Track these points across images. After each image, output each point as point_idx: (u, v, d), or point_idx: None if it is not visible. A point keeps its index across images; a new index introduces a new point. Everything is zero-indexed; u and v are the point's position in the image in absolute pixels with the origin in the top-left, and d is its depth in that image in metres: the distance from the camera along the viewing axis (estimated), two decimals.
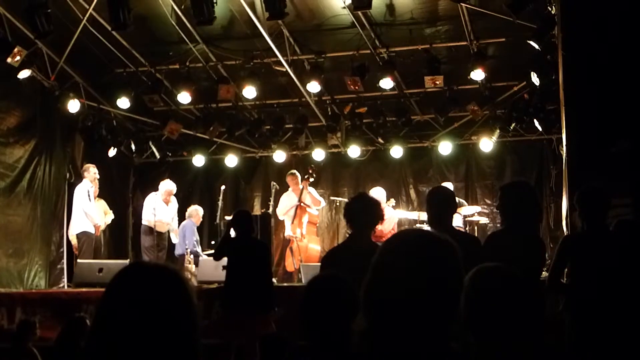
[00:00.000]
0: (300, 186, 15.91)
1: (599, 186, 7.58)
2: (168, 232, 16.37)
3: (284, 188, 16.54)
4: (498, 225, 13.93)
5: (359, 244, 6.79)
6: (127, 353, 2.24)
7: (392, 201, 16.09)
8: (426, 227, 14.66)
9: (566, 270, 7.61)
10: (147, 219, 15.89)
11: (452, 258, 2.53)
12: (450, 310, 2.48)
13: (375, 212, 7.11)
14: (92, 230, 15.24)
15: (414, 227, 14.43)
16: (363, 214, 7.01)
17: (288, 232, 15.79)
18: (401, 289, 2.43)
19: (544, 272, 7.63)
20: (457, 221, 14.07)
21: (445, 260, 2.51)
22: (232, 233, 10.99)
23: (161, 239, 16.16)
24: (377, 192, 15.52)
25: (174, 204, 16.60)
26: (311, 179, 15.93)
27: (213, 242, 16.33)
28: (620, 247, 7.23)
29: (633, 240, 7.54)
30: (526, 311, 3.94)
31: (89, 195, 15.19)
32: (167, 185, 16.28)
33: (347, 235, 7.40)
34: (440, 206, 7.09)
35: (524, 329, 3.92)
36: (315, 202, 16.09)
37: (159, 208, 15.97)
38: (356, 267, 4.55)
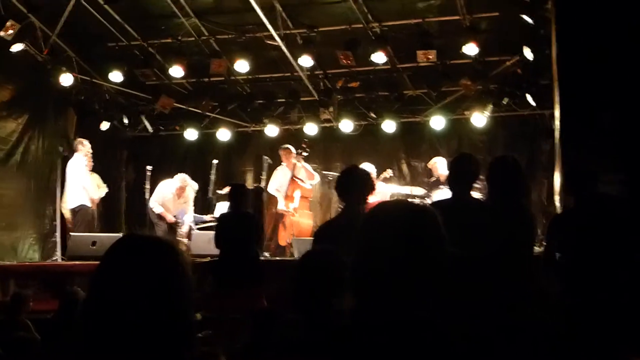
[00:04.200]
0: (294, 160, 15.92)
1: (583, 163, 7.63)
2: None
3: (276, 162, 16.56)
4: None
5: (352, 217, 6.81)
6: (121, 324, 2.26)
7: (389, 172, 16.11)
8: (418, 201, 14.80)
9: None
10: (154, 207, 15.90)
11: (432, 225, 2.54)
12: (435, 276, 2.49)
13: (366, 184, 7.12)
14: (89, 204, 15.28)
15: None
16: (354, 187, 7.02)
17: (281, 206, 15.82)
18: (385, 260, 2.44)
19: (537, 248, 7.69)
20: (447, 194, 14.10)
21: (425, 227, 2.52)
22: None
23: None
24: (367, 168, 15.57)
25: (191, 194, 16.50)
26: (305, 154, 15.95)
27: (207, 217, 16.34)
28: (604, 221, 7.26)
29: (617, 214, 7.56)
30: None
31: (85, 169, 15.21)
32: (185, 182, 16.18)
33: (339, 210, 7.40)
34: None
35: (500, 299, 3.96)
36: (310, 176, 16.12)
37: (168, 201, 15.97)
38: (350, 241, 4.58)
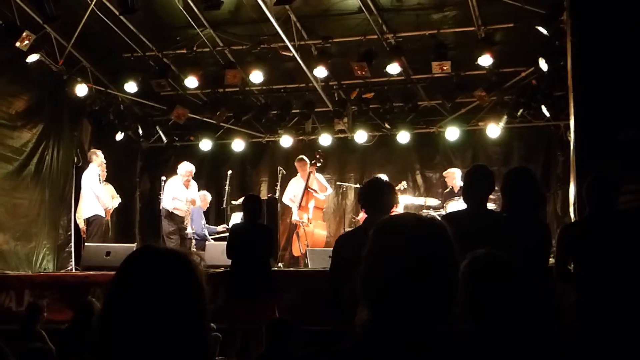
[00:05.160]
0: (308, 171, 15.93)
1: (608, 174, 7.53)
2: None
3: (291, 173, 16.57)
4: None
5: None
6: (137, 337, 2.25)
7: (404, 184, 16.09)
8: (432, 212, 14.79)
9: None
10: (166, 204, 15.83)
11: (443, 237, 2.52)
12: (449, 289, 2.47)
13: (390, 196, 7.10)
14: (103, 214, 15.32)
15: (420, 212, 14.43)
16: (378, 198, 7.00)
17: (295, 217, 15.83)
18: (396, 273, 2.43)
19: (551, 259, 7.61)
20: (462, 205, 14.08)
21: (435, 240, 2.50)
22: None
23: (182, 223, 16.08)
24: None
25: (194, 185, 16.54)
26: (318, 164, 15.95)
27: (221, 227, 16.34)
28: (623, 233, 7.18)
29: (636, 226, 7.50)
30: (522, 295, 3.95)
31: (99, 179, 15.24)
32: (187, 167, 16.12)
33: (353, 220, 7.40)
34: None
35: (524, 314, 3.93)
36: (322, 188, 16.11)
37: (179, 192, 15.94)
38: None
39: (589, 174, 7.74)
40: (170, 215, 15.75)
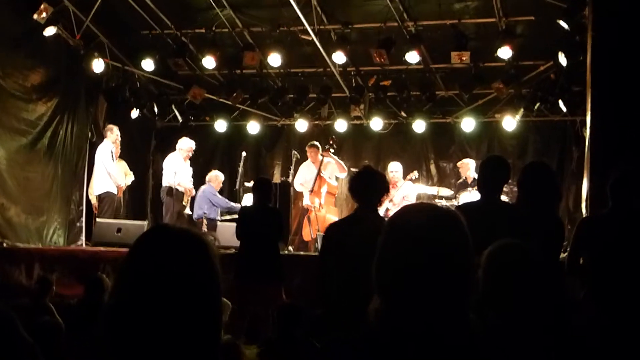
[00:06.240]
0: (320, 157, 15.90)
1: (636, 170, 7.40)
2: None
3: (305, 158, 16.54)
4: None
5: (366, 218, 6.81)
6: (149, 316, 2.24)
7: (415, 173, 16.02)
8: (445, 203, 14.77)
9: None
10: (168, 180, 15.82)
11: (457, 227, 2.50)
12: (462, 280, 2.45)
13: (381, 187, 7.10)
14: (115, 191, 15.33)
15: (432, 202, 14.41)
16: (369, 187, 7.01)
17: (306, 201, 15.80)
18: (410, 263, 2.41)
19: (562, 254, 7.57)
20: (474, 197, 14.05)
21: (450, 230, 2.48)
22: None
23: (183, 200, 16.11)
24: (395, 167, 15.60)
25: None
26: (332, 150, 15.91)
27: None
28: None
29: None
30: (543, 287, 3.93)
31: (112, 156, 15.25)
32: (189, 142, 16.19)
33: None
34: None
35: (542, 305, 3.92)
36: (341, 168, 16.09)
37: (181, 168, 15.94)
38: (363, 241, 4.55)
39: (603, 171, 7.69)
40: (173, 192, 15.78)
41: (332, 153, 16.01)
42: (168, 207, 15.82)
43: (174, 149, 16.34)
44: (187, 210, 16.03)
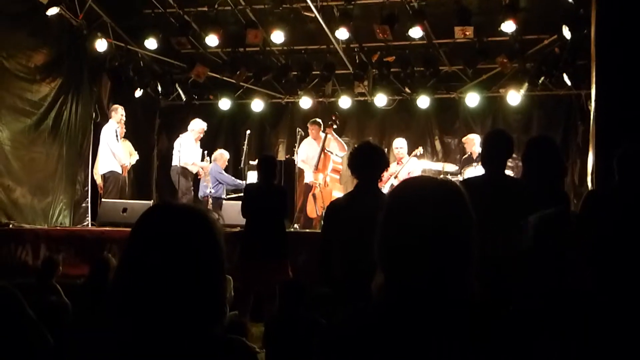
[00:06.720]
0: (322, 134, 15.87)
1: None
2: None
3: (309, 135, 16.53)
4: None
5: (366, 194, 6.81)
6: (153, 293, 2.25)
7: (420, 149, 16.00)
8: (450, 177, 14.74)
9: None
10: (178, 160, 15.81)
11: (458, 199, 2.50)
12: (465, 252, 2.45)
13: (380, 162, 7.09)
14: (119, 170, 15.35)
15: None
16: (368, 163, 7.00)
17: (309, 178, 15.77)
18: (413, 237, 2.41)
19: None
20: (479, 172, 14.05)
21: (451, 202, 2.48)
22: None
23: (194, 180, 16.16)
24: (400, 143, 15.58)
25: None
26: (334, 126, 15.88)
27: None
28: None
29: None
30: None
31: (116, 135, 15.24)
32: (201, 124, 16.23)
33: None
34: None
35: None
36: (342, 147, 16.06)
37: (192, 148, 15.96)
38: (363, 217, 4.55)
39: (609, 145, 7.63)
40: (185, 172, 15.79)
41: (334, 130, 15.97)
42: (182, 186, 15.80)
43: (178, 128, 16.35)
44: (206, 190, 16.00)
